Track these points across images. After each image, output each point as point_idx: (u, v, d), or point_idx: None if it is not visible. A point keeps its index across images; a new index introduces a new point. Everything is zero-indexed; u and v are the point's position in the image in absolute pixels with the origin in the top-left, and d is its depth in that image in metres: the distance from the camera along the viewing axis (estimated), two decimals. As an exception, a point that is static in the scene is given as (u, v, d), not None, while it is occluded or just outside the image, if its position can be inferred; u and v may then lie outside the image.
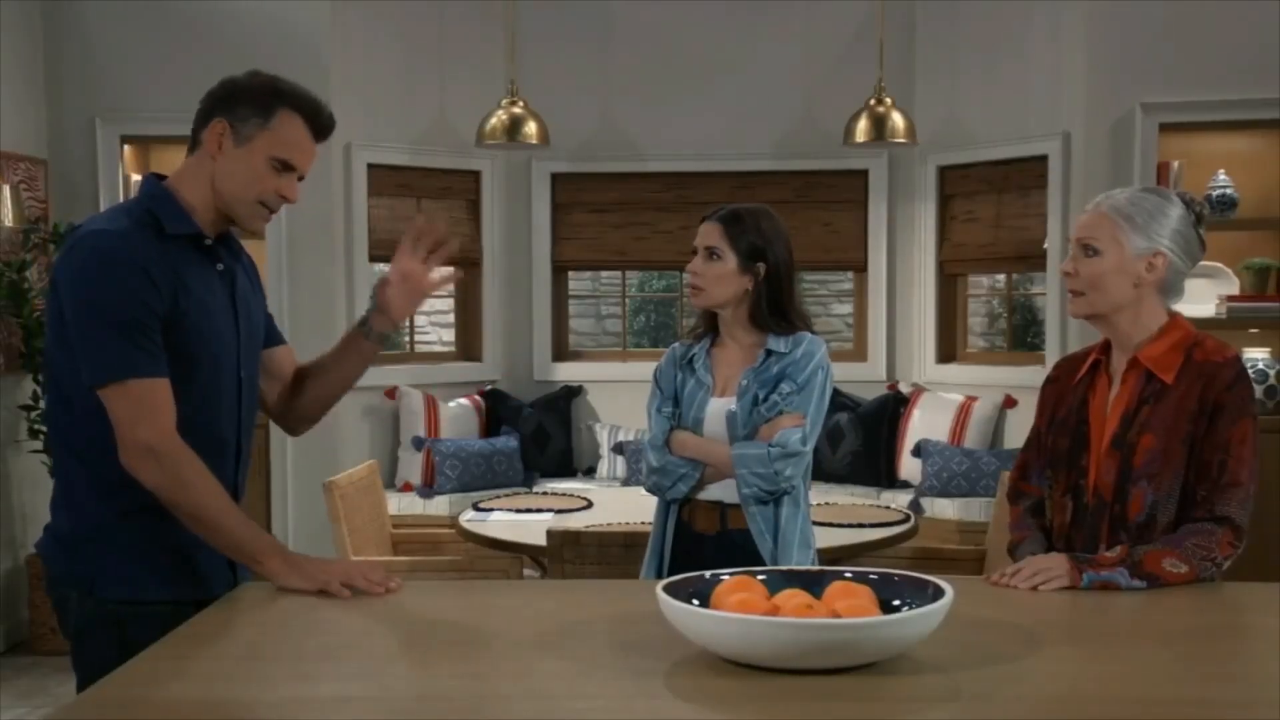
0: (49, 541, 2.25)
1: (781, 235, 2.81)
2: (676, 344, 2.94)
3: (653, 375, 2.91)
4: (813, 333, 2.81)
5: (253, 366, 2.35)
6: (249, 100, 2.20)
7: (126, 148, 5.66)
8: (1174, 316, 2.35)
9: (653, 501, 2.88)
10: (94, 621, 2.16)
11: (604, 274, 8.89)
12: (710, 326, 2.87)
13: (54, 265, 2.18)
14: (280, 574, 2.15)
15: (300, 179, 2.27)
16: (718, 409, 2.78)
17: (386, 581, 2.16)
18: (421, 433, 6.06)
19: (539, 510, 4.35)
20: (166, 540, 2.18)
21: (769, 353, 2.76)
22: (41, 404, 5.07)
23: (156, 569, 2.18)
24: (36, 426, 5.09)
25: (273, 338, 2.45)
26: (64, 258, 2.16)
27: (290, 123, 2.21)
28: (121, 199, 5.52)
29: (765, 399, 2.73)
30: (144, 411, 2.10)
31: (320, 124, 2.25)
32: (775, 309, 2.78)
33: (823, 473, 5.85)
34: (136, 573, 2.17)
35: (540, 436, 6.28)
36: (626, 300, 7.66)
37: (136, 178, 5.66)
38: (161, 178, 2.27)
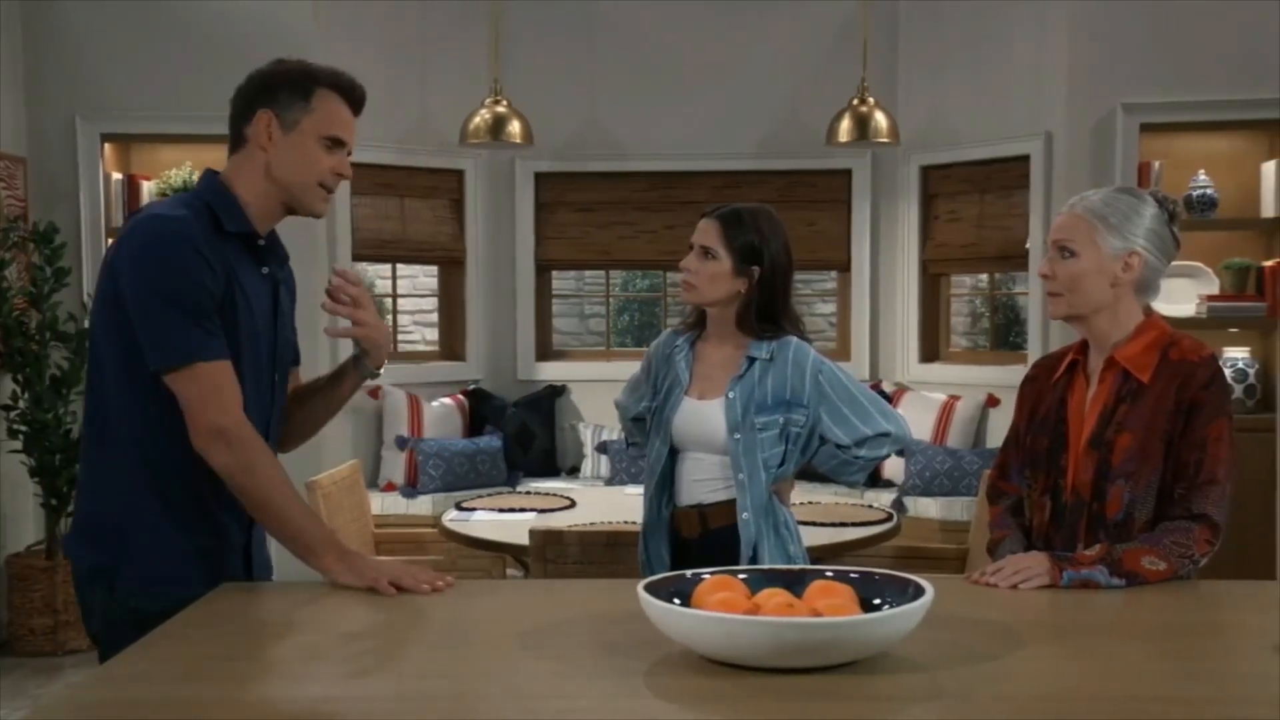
0: (76, 539, 2.24)
1: (781, 239, 2.76)
2: (668, 331, 2.93)
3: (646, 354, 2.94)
4: (801, 337, 2.76)
5: (284, 372, 2.36)
6: (286, 86, 2.22)
7: (107, 146, 5.62)
8: (1150, 315, 2.36)
9: (635, 503, 2.88)
10: (119, 621, 2.15)
11: (588, 273, 8.89)
12: (701, 320, 2.85)
13: (112, 249, 2.19)
14: (335, 570, 2.16)
15: (349, 154, 2.29)
16: (689, 409, 2.76)
17: (434, 580, 2.16)
18: (405, 432, 6.05)
19: (522, 510, 4.34)
20: (191, 541, 2.19)
21: (750, 359, 2.73)
22: (21, 404, 5.05)
23: (181, 567, 2.18)
24: (16, 427, 5.06)
25: (294, 355, 2.46)
26: (123, 241, 2.16)
27: (330, 100, 2.24)
28: (102, 197, 5.50)
29: (767, 419, 2.70)
30: (212, 394, 2.11)
31: (355, 97, 2.28)
32: (764, 314, 2.74)
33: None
34: (163, 571, 2.17)
35: (524, 436, 6.27)
36: (610, 300, 7.66)
37: (118, 176, 5.62)
38: (216, 174, 2.27)
